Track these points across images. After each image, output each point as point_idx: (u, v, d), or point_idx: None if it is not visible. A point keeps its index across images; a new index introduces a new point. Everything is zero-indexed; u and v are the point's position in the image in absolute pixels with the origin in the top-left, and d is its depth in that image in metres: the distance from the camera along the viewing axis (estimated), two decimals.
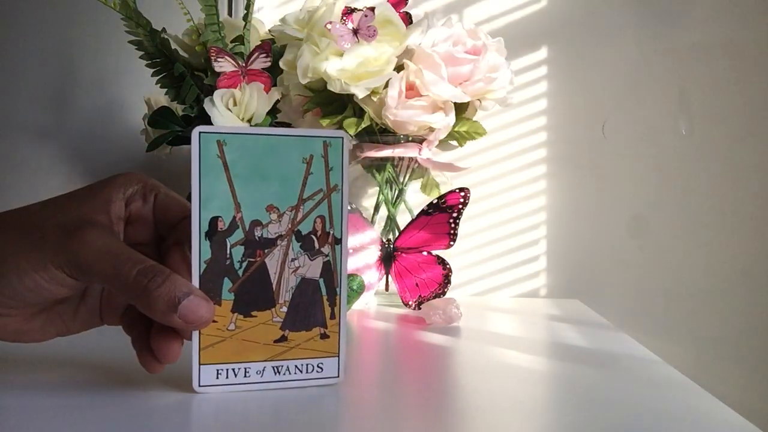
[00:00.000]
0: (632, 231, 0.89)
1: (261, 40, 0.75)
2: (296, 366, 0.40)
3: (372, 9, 0.69)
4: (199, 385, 0.38)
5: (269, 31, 0.77)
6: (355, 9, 0.70)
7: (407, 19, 0.73)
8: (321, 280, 0.40)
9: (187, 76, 0.74)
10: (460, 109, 0.74)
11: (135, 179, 0.39)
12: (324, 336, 0.40)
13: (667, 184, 0.89)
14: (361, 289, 0.66)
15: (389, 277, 0.72)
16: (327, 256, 0.40)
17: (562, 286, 0.89)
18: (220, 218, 0.38)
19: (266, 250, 0.39)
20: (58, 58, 0.95)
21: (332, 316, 0.40)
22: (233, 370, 0.39)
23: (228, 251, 0.38)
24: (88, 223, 0.36)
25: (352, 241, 0.71)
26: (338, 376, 0.41)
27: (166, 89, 0.77)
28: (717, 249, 0.88)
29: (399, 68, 0.71)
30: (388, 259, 0.72)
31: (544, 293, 0.89)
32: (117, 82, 0.94)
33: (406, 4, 0.74)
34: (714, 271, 0.88)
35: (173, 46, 0.77)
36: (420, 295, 0.69)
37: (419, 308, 0.69)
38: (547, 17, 0.89)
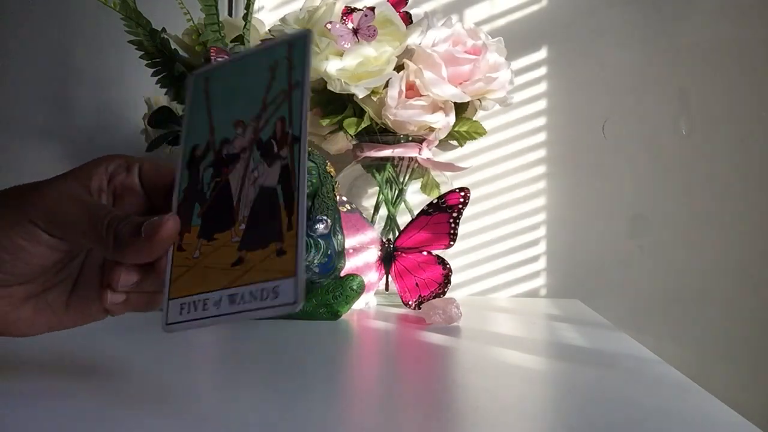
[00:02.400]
0: (632, 231, 0.89)
1: (261, 40, 0.75)
2: (251, 292, 0.34)
3: (372, 9, 0.69)
4: (167, 323, 0.35)
5: (269, 31, 0.77)
6: (355, 9, 0.70)
7: (407, 19, 0.73)
8: (279, 187, 0.34)
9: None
10: (460, 109, 0.74)
11: (117, 156, 0.39)
12: (281, 252, 0.33)
13: (667, 184, 0.89)
14: (361, 289, 0.66)
15: (389, 277, 0.72)
16: (285, 158, 0.34)
17: (562, 286, 0.89)
18: (198, 146, 0.37)
19: (230, 167, 0.36)
20: (58, 58, 0.95)
21: (289, 227, 0.33)
22: (194, 303, 0.35)
23: (201, 175, 0.36)
24: (58, 178, 0.36)
25: (352, 241, 0.71)
26: (295, 302, 0.33)
27: (166, 89, 0.77)
28: (717, 249, 0.88)
29: (399, 68, 0.71)
30: (388, 259, 0.72)
31: (544, 293, 0.89)
32: (117, 82, 0.94)
33: (406, 4, 0.74)
34: (714, 271, 0.88)
35: (173, 46, 0.77)
36: (420, 295, 0.69)
37: (419, 308, 0.69)
38: (547, 17, 0.89)
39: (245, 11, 0.75)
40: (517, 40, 0.87)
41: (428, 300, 0.68)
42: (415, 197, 0.79)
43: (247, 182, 0.35)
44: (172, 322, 0.35)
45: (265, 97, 0.36)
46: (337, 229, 0.67)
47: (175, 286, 0.35)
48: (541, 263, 0.89)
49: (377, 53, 0.70)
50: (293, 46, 0.35)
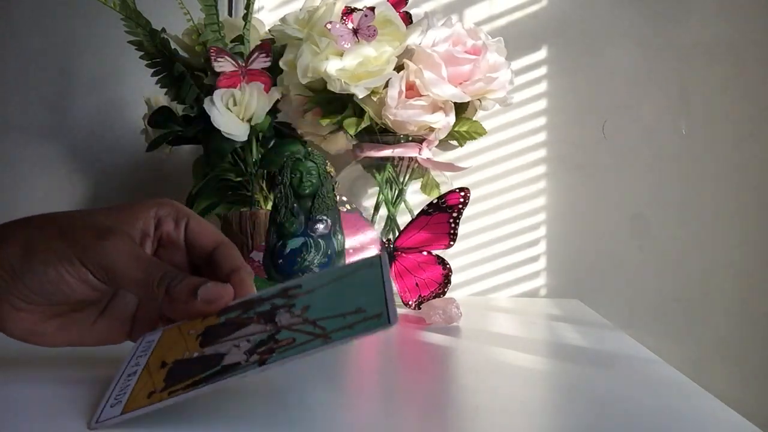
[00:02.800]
0: (632, 231, 0.89)
1: (261, 40, 0.75)
2: (120, 387, 0.35)
3: (372, 9, 0.69)
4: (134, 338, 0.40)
5: (269, 31, 0.77)
6: (355, 9, 0.70)
7: (407, 19, 0.73)
8: (215, 369, 0.34)
9: (187, 76, 0.74)
10: (460, 108, 0.74)
11: (167, 203, 0.41)
12: (151, 393, 0.34)
13: (667, 184, 0.88)
14: None
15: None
16: (241, 365, 0.33)
17: (562, 286, 0.89)
18: (301, 288, 0.38)
19: (263, 321, 0.36)
20: (58, 58, 0.95)
21: (173, 393, 0.33)
22: (145, 348, 0.38)
23: (264, 300, 0.38)
24: (117, 230, 0.38)
25: (352, 241, 0.70)
26: (92, 429, 0.33)
27: (166, 89, 0.77)
28: (717, 249, 0.88)
29: (399, 68, 0.71)
30: (388, 259, 0.72)
31: (544, 293, 0.89)
32: (117, 82, 0.94)
33: (406, 4, 0.74)
34: (714, 271, 0.88)
35: (173, 46, 0.77)
36: (420, 295, 0.69)
37: (419, 308, 0.69)
38: (547, 17, 0.89)
39: (245, 11, 0.75)
40: (517, 40, 0.87)
41: (428, 300, 0.68)
42: (415, 197, 0.79)
43: (237, 340, 0.36)
44: (137, 338, 0.40)
45: (327, 319, 0.35)
46: (337, 229, 0.67)
47: (169, 330, 0.39)
48: (541, 263, 0.89)
49: (377, 53, 0.70)
50: (377, 317, 0.33)
